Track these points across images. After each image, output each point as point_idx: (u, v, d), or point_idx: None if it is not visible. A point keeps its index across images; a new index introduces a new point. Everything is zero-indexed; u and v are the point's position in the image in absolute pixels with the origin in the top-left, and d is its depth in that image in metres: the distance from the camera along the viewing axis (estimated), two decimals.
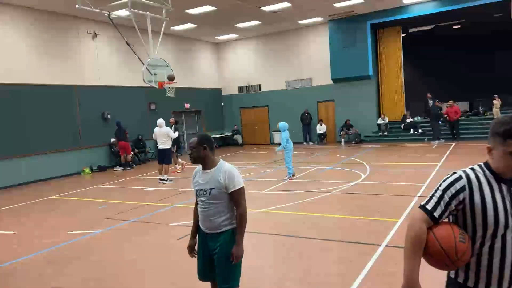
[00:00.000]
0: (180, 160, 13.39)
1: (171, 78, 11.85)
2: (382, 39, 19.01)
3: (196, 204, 3.28)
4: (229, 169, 3.09)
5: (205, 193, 3.07)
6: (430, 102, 19.50)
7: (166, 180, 11.15)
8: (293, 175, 10.55)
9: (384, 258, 4.76)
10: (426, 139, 17.11)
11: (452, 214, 1.90)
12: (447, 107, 18.17)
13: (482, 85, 20.96)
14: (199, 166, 3.22)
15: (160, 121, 11.22)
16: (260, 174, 11.81)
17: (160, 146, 11.21)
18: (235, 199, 3.06)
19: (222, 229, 3.08)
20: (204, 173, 3.14)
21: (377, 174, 10.38)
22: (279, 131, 10.74)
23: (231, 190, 3.02)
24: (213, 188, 3.03)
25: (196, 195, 3.18)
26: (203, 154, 3.12)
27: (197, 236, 3.30)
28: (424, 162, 11.82)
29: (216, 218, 3.07)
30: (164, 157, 11.18)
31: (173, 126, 12.96)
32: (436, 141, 15.19)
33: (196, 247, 3.30)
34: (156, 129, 11.18)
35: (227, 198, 3.05)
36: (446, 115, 16.47)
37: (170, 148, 11.35)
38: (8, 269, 5.35)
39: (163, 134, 11.08)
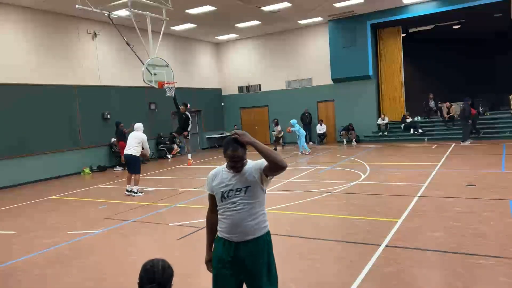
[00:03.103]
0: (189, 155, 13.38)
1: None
2: (382, 39, 19.02)
3: (211, 211, 2.91)
4: (255, 164, 2.78)
5: (238, 192, 2.71)
6: (431, 102, 19.56)
7: (136, 192, 9.64)
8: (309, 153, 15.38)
9: (384, 258, 4.76)
10: (426, 139, 17.11)
11: None
12: (447, 107, 18.24)
13: (482, 85, 20.94)
14: (218, 168, 2.86)
15: (138, 125, 9.90)
16: None
17: (128, 152, 9.59)
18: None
19: (257, 234, 2.74)
20: (230, 174, 2.75)
21: (377, 174, 10.38)
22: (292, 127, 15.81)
23: (264, 165, 2.67)
24: (249, 186, 2.70)
25: (222, 198, 2.75)
26: (245, 160, 2.73)
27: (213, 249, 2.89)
28: (424, 162, 11.82)
29: (250, 221, 2.71)
30: (131, 165, 9.70)
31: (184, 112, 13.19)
32: (467, 142, 15.18)
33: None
34: (132, 133, 9.83)
35: (263, 196, 2.81)
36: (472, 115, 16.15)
37: (139, 157, 9.75)
38: (8, 269, 5.35)
39: (137, 140, 9.61)
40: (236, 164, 2.69)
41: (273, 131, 18.08)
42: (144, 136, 9.76)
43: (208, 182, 2.85)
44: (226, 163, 2.79)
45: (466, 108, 15.22)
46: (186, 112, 13.44)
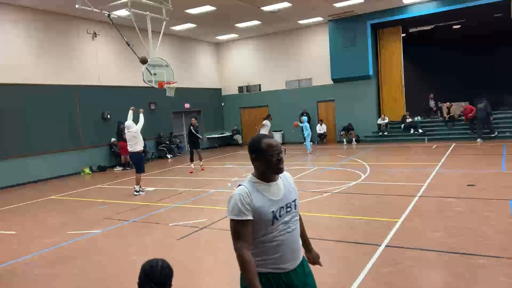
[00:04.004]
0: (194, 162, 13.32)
1: (143, 61, 11.22)
2: (382, 39, 19.01)
3: (248, 245, 2.13)
4: (289, 174, 2.44)
5: (289, 208, 2.24)
6: (431, 102, 19.57)
7: (138, 192, 9.74)
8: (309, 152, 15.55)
9: (384, 258, 4.76)
10: (426, 139, 17.10)
11: None
12: (447, 107, 18.25)
13: (482, 85, 20.94)
14: (245, 183, 2.23)
15: (128, 123, 9.94)
16: None
17: (131, 149, 9.82)
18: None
19: (301, 253, 2.36)
20: (271, 186, 2.24)
21: (377, 174, 10.38)
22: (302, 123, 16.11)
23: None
24: (296, 199, 2.34)
25: (273, 220, 2.16)
26: None
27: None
28: (424, 162, 11.82)
29: (299, 240, 2.34)
30: (134, 164, 9.93)
31: (193, 126, 13.10)
32: (480, 140, 15.51)
33: None
34: (127, 132, 9.90)
35: None
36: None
37: (141, 154, 9.93)
38: (8, 269, 5.35)
39: (133, 133, 9.74)
40: (281, 161, 2.22)
41: (275, 131, 18.02)
42: (136, 127, 9.77)
43: (244, 204, 2.11)
44: (250, 177, 2.26)
45: (488, 104, 15.66)
46: (197, 125, 13.51)
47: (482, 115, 15.70)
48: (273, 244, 2.17)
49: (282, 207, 2.20)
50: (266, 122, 14.96)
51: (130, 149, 9.87)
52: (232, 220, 2.13)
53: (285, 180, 2.34)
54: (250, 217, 2.11)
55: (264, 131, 14.65)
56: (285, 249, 2.19)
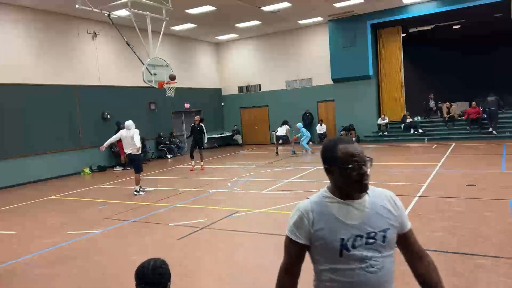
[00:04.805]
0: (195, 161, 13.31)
1: (172, 78, 11.83)
2: (382, 39, 19.01)
3: (289, 270, 1.75)
4: (390, 192, 1.82)
5: (372, 240, 1.64)
6: (431, 102, 19.57)
7: (138, 192, 9.74)
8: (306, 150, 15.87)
9: None
10: (426, 139, 17.11)
11: None
12: (447, 107, 18.28)
13: (482, 85, 20.94)
14: (313, 198, 1.73)
15: (129, 122, 9.75)
16: (260, 174, 11.81)
17: (127, 151, 9.73)
18: (413, 240, 1.81)
19: None
20: (348, 206, 1.68)
21: (377, 174, 10.37)
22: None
23: (408, 227, 1.78)
24: (388, 229, 1.69)
25: (341, 251, 1.63)
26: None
27: None
28: (424, 162, 11.82)
29: (390, 285, 1.79)
30: (132, 165, 9.94)
31: (200, 124, 13.03)
32: (495, 132, 16.14)
33: None
34: (123, 131, 9.76)
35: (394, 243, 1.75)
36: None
37: (139, 155, 9.84)
38: (8, 269, 5.35)
39: (130, 137, 9.56)
40: (364, 177, 1.66)
41: (274, 131, 17.97)
42: (136, 131, 9.60)
43: (300, 224, 1.68)
44: (324, 190, 1.74)
45: (499, 99, 16.09)
46: (201, 124, 13.19)
47: (491, 108, 15.88)
48: (335, 285, 1.64)
49: (360, 236, 1.62)
50: (285, 126, 16.09)
51: (126, 151, 9.77)
52: (286, 233, 1.75)
53: (377, 199, 1.72)
54: (303, 242, 1.67)
55: (281, 131, 15.98)
56: None
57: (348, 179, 1.63)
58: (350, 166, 1.63)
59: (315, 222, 1.65)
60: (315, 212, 1.66)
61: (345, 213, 1.64)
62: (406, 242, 1.78)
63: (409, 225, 1.76)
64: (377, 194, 1.74)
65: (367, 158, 1.70)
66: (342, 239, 1.61)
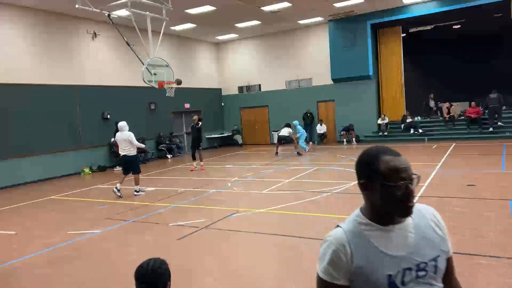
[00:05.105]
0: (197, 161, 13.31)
1: (179, 83, 12.09)
2: (382, 39, 19.02)
3: None
4: (431, 208, 1.58)
5: (423, 272, 1.39)
6: (431, 102, 19.57)
7: (138, 192, 9.73)
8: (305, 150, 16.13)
9: None
10: (426, 139, 17.11)
11: None
12: (447, 107, 18.29)
13: (482, 85, 20.92)
14: (350, 228, 1.42)
15: (122, 124, 9.57)
16: (260, 174, 11.81)
17: (123, 153, 9.54)
18: (451, 270, 1.52)
19: None
20: (390, 233, 1.40)
21: None
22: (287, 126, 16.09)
23: (451, 253, 1.52)
24: (438, 256, 1.44)
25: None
26: None
27: None
28: (424, 162, 11.81)
29: None
30: (130, 166, 9.66)
31: (198, 123, 13.10)
32: (491, 129, 16.40)
33: None
34: (118, 134, 9.64)
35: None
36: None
37: (136, 156, 9.70)
38: (8, 269, 5.35)
39: (125, 140, 9.44)
40: (410, 198, 1.36)
41: (276, 132, 17.96)
42: (130, 134, 9.48)
43: (336, 262, 1.38)
44: (357, 213, 1.46)
45: (501, 95, 16.34)
46: (199, 123, 13.28)
47: (494, 104, 15.94)
48: None
49: (409, 270, 1.36)
50: (287, 129, 15.96)
51: (121, 152, 9.62)
52: (317, 273, 1.43)
53: (421, 220, 1.46)
54: (343, 283, 1.37)
55: (284, 132, 15.85)
56: None
57: (391, 199, 1.35)
58: (395, 183, 1.33)
59: (354, 257, 1.36)
60: (352, 244, 1.37)
61: (388, 243, 1.37)
62: (447, 267, 1.47)
63: (451, 250, 1.49)
64: (421, 214, 1.48)
65: (414, 175, 1.38)
66: (390, 276, 1.34)
